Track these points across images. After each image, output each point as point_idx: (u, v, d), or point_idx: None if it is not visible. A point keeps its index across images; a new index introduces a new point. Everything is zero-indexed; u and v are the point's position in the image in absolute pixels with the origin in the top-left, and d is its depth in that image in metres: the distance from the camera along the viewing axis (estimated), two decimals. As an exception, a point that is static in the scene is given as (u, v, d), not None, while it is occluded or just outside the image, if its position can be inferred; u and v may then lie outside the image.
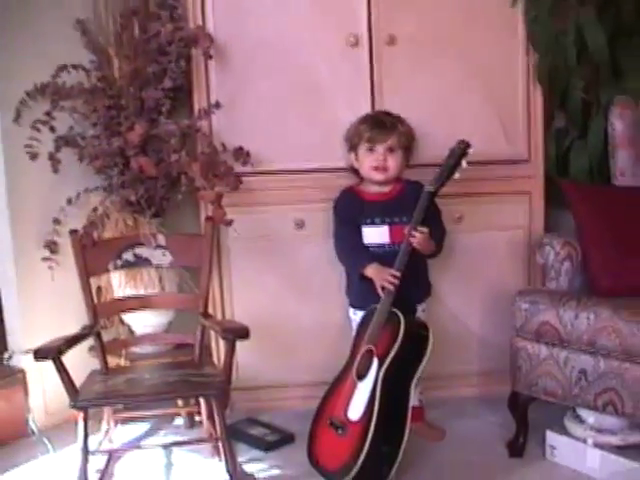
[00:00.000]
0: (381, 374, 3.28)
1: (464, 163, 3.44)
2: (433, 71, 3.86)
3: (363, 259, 3.56)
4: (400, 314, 3.34)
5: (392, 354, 3.28)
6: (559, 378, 3.33)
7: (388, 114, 3.67)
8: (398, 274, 3.39)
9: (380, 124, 3.61)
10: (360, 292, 3.59)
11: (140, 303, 3.65)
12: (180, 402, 3.86)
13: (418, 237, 3.40)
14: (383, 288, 3.41)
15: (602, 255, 3.41)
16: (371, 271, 3.51)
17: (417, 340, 3.36)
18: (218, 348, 3.91)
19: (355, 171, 3.73)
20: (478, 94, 3.89)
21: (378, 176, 3.61)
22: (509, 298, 3.51)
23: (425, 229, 3.41)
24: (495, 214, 3.97)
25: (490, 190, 3.93)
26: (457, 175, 3.45)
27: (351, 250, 3.64)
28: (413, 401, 3.65)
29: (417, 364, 3.34)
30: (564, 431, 3.49)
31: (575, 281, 3.53)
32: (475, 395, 4.07)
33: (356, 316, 3.62)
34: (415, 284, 3.56)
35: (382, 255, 3.53)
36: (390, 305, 3.37)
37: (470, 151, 3.45)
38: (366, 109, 3.80)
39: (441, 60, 3.85)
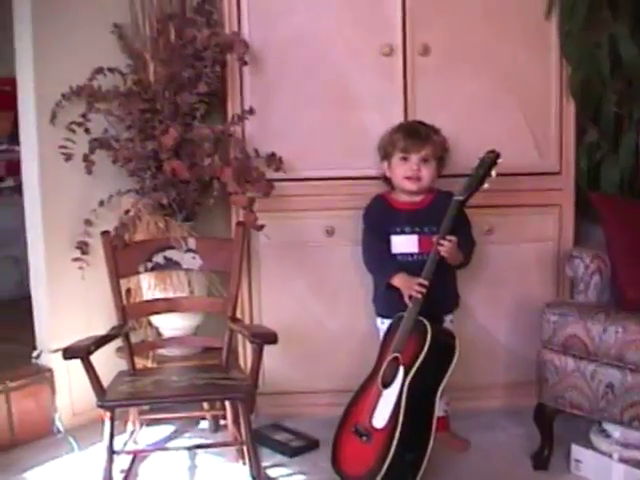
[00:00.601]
0: (407, 382, 3.28)
1: (493, 173, 3.45)
2: (465, 82, 3.86)
3: (390, 268, 3.56)
4: (427, 323, 3.34)
5: (418, 363, 3.29)
6: (586, 391, 3.31)
7: (423, 124, 3.67)
8: (426, 283, 3.39)
9: (415, 134, 3.61)
10: (387, 301, 3.59)
11: (169, 306, 3.66)
12: (206, 405, 3.87)
13: (446, 246, 3.40)
14: (410, 297, 3.41)
15: (631, 269, 3.40)
16: (398, 280, 3.52)
17: (444, 349, 3.36)
18: (245, 352, 3.92)
19: (387, 180, 3.73)
20: (510, 106, 3.89)
21: (411, 186, 3.61)
22: (537, 310, 3.50)
23: (454, 238, 3.41)
24: (525, 226, 3.96)
25: (520, 202, 3.93)
26: (486, 185, 3.45)
27: (379, 259, 3.65)
28: (438, 411, 3.67)
29: (443, 373, 3.33)
30: (589, 445, 3.46)
31: (604, 294, 3.52)
32: (501, 407, 4.05)
33: (383, 325, 3.61)
34: (443, 294, 3.56)
35: (410, 264, 3.53)
36: (417, 314, 3.37)
37: (500, 161, 3.45)
38: (398, 118, 3.80)
39: (474, 71, 3.86)
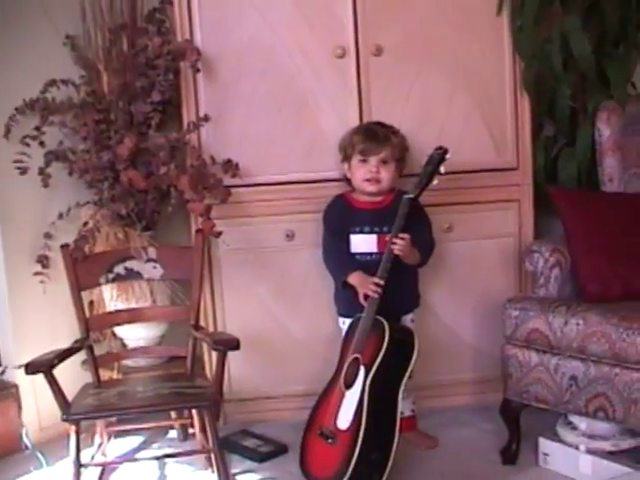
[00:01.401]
0: (368, 382, 3.30)
1: (442, 169, 3.48)
2: (420, 80, 3.86)
3: (347, 267, 3.57)
4: (384, 321, 3.35)
5: (378, 361, 3.30)
6: (550, 385, 3.33)
7: (382, 125, 3.67)
8: (381, 282, 3.40)
9: (373, 136, 3.61)
10: (347, 300, 3.59)
11: (132, 316, 3.64)
12: (173, 414, 3.84)
13: (399, 244, 3.41)
14: (366, 297, 3.42)
15: (591, 261, 3.42)
16: (354, 279, 3.53)
17: (403, 347, 3.37)
18: (210, 360, 3.89)
19: (349, 180, 3.72)
20: (466, 103, 3.90)
21: (370, 188, 3.61)
22: (500, 306, 3.50)
23: (407, 236, 3.42)
24: (485, 222, 3.97)
25: (479, 199, 3.94)
26: (436, 182, 3.49)
27: (336, 258, 3.65)
28: (406, 411, 3.70)
29: (404, 370, 3.35)
30: (556, 438, 3.48)
31: (565, 288, 3.53)
32: (468, 403, 4.06)
33: (345, 325, 3.61)
34: (401, 294, 3.56)
35: (369, 263, 3.53)
36: (374, 313, 3.38)
37: (448, 157, 3.49)
38: (354, 119, 3.81)
39: (427, 69, 3.86)
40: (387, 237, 3.45)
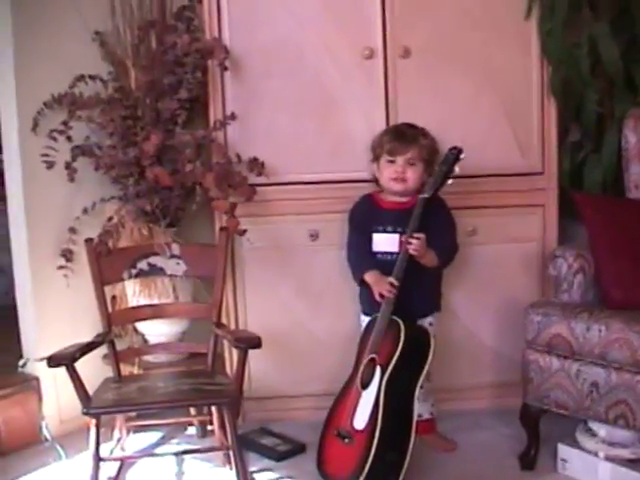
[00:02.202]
0: (384, 382, 3.31)
1: (457, 169, 3.49)
2: (447, 83, 3.87)
3: (365, 265, 3.58)
4: (400, 321, 3.36)
5: (394, 362, 3.31)
6: (570, 390, 3.32)
7: (412, 126, 3.67)
8: (396, 283, 3.41)
9: (401, 136, 3.61)
10: (369, 298, 3.58)
11: (154, 312, 3.66)
12: (193, 411, 3.87)
13: (414, 244, 3.41)
14: (382, 297, 3.43)
15: (614, 267, 3.40)
16: (370, 277, 3.54)
17: (418, 347, 3.38)
18: (231, 358, 3.91)
19: (377, 181, 3.72)
20: (492, 106, 3.90)
21: (397, 187, 3.61)
22: (522, 311, 3.50)
23: (422, 235, 3.42)
24: (509, 226, 3.97)
25: (504, 203, 3.94)
26: (450, 181, 3.50)
27: (356, 255, 3.66)
28: (425, 413, 3.70)
29: (420, 370, 3.36)
30: (576, 444, 3.47)
31: (588, 294, 3.52)
32: (488, 407, 4.06)
33: (364, 323, 3.63)
34: (419, 297, 3.55)
35: (390, 263, 3.51)
36: (390, 313, 3.39)
37: (462, 157, 3.49)
38: (380, 121, 3.82)
39: (455, 72, 3.87)
40: (402, 237, 3.46)
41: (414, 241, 3.41)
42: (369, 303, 3.59)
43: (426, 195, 3.47)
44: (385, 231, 3.61)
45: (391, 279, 3.41)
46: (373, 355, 3.38)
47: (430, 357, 3.37)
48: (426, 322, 3.63)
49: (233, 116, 3.79)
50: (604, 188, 3.96)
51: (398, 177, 3.60)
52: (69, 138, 3.74)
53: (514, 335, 3.75)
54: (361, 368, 3.42)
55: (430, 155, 3.64)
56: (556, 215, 4.00)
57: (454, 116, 3.88)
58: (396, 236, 3.56)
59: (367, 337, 3.46)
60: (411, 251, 3.42)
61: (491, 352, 4.04)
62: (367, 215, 3.68)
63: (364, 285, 3.58)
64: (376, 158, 3.68)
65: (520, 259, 4.00)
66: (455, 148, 3.52)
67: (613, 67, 3.79)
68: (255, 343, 3.25)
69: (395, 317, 3.39)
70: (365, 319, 3.62)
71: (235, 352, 3.66)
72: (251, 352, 3.28)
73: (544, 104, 3.92)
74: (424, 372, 3.36)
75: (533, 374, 3.43)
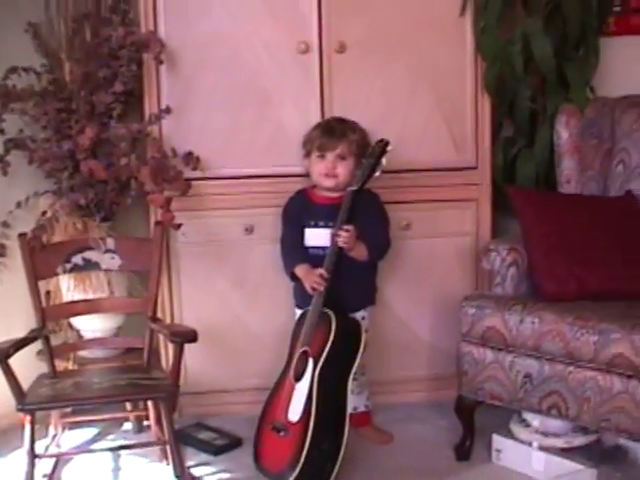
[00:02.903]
0: (316, 373, 3.34)
1: (384, 161, 3.51)
2: (382, 78, 3.89)
3: (296, 259, 3.62)
4: (331, 313, 3.39)
5: (325, 353, 3.35)
6: (504, 382, 3.37)
7: (341, 120, 3.69)
8: (326, 275, 3.43)
9: (330, 131, 3.63)
10: (302, 291, 3.60)
11: (89, 307, 3.63)
12: (128, 406, 3.84)
13: (343, 236, 3.44)
14: (314, 289, 3.46)
15: (547, 261, 3.45)
16: (300, 271, 3.58)
17: (350, 338, 3.42)
18: (167, 352, 3.90)
19: (310, 176, 3.75)
20: (427, 101, 3.93)
21: (328, 182, 3.63)
22: (456, 304, 3.54)
23: (350, 228, 3.45)
24: (443, 221, 4.01)
25: (438, 197, 3.97)
26: (378, 173, 3.52)
27: (288, 250, 3.69)
28: (360, 406, 3.74)
29: (352, 362, 3.39)
30: (510, 434, 3.53)
31: (521, 286, 3.58)
32: (424, 400, 4.09)
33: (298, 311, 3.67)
34: (351, 290, 3.57)
35: (321, 258, 3.52)
36: (321, 306, 3.42)
37: (389, 149, 3.52)
38: (316, 115, 3.83)
39: (390, 67, 3.89)
40: (332, 230, 3.48)
41: (343, 233, 3.43)
42: (302, 297, 3.61)
43: (354, 187, 3.49)
44: (317, 226, 3.64)
45: (321, 271, 3.44)
46: (305, 347, 3.41)
47: (361, 348, 3.41)
48: (358, 316, 3.63)
49: (168, 110, 3.77)
50: (536, 183, 4.02)
51: (329, 173, 3.62)
52: (2, 131, 3.68)
53: (449, 328, 3.80)
54: (294, 361, 3.44)
55: (361, 149, 3.65)
56: (489, 209, 4.04)
57: (390, 111, 3.91)
58: (328, 231, 3.56)
59: (299, 330, 3.49)
60: (340, 243, 3.44)
61: (426, 345, 4.08)
62: (300, 210, 3.70)
63: (296, 279, 3.61)
64: (307, 154, 3.70)
65: (454, 253, 4.04)
66: (382, 141, 3.54)
67: (545, 64, 3.84)
68: (191, 337, 3.25)
69: (326, 309, 3.41)
70: (299, 312, 3.64)
71: (171, 347, 3.66)
72: (187, 347, 3.28)
73: (478, 100, 3.96)
74: (356, 363, 3.39)
75: (467, 366, 3.47)
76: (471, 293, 3.75)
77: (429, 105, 3.94)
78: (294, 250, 3.66)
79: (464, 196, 4.01)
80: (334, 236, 3.45)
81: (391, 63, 3.89)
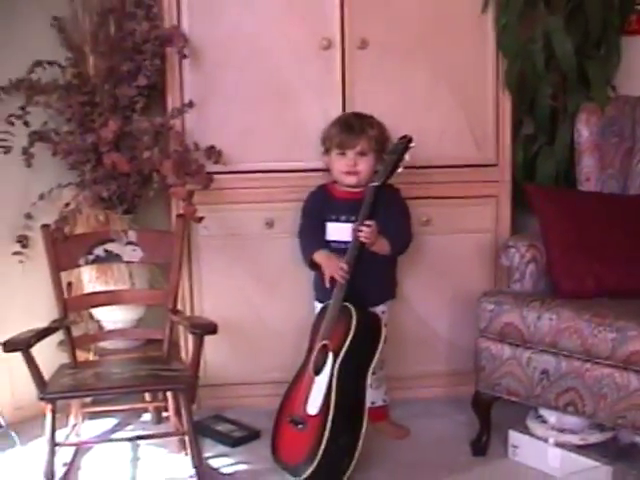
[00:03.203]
0: (336, 367, 3.35)
1: (407, 157, 3.51)
2: (404, 75, 3.91)
3: (315, 245, 3.63)
4: (352, 307, 3.39)
5: (345, 347, 3.35)
6: (522, 378, 3.38)
7: (359, 116, 3.70)
8: (346, 267, 3.43)
9: (349, 128, 3.64)
10: (324, 285, 3.59)
11: (110, 298, 3.67)
12: (148, 397, 3.88)
13: (365, 231, 3.44)
14: (332, 279, 3.48)
15: (565, 258, 3.47)
16: (320, 257, 3.59)
17: (370, 332, 3.42)
18: (187, 344, 3.92)
19: (330, 171, 3.76)
20: (448, 98, 3.95)
21: (349, 180, 3.65)
22: (475, 299, 3.55)
23: (372, 223, 3.45)
24: (463, 217, 4.02)
25: (458, 193, 3.99)
26: (401, 169, 3.51)
27: (307, 238, 3.71)
28: (378, 400, 3.75)
29: (371, 356, 3.40)
30: (526, 430, 3.53)
31: (539, 283, 3.58)
32: (441, 395, 4.11)
33: (317, 308, 3.67)
34: (371, 285, 3.58)
35: (343, 252, 3.52)
36: (342, 300, 3.43)
37: (412, 145, 3.51)
38: (337, 111, 3.85)
39: (411, 64, 3.91)
40: (353, 225, 3.49)
41: (364, 228, 3.44)
42: (322, 290, 3.61)
43: (376, 183, 3.49)
44: (338, 220, 3.65)
45: (342, 264, 3.45)
46: (325, 341, 3.42)
47: (381, 343, 3.41)
48: (378, 310, 3.64)
49: (191, 104, 3.80)
50: (556, 180, 4.02)
51: (350, 170, 3.63)
52: (26, 123, 3.72)
53: (467, 324, 3.81)
54: (314, 354, 3.46)
55: (380, 144, 3.66)
56: (509, 206, 4.06)
57: (410, 107, 3.92)
58: (349, 225, 3.58)
59: (319, 323, 3.50)
60: (362, 238, 3.45)
61: (444, 341, 4.10)
62: (321, 204, 3.72)
63: (315, 267, 3.62)
64: (327, 151, 3.71)
65: (474, 249, 4.06)
66: (405, 137, 3.54)
67: (567, 62, 3.85)
68: (211, 329, 3.27)
69: (347, 303, 3.42)
70: (319, 306, 3.65)
71: (191, 338, 3.67)
72: (207, 339, 3.30)
73: (499, 97, 3.97)
74: (376, 358, 3.40)
75: (485, 362, 3.48)
76: (490, 289, 3.78)
77: (450, 102, 3.95)
78: (314, 239, 3.67)
79: (484, 193, 4.02)
80: (356, 231, 3.46)
81: (412, 60, 3.91)
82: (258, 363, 4.02)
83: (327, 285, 3.51)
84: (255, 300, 3.99)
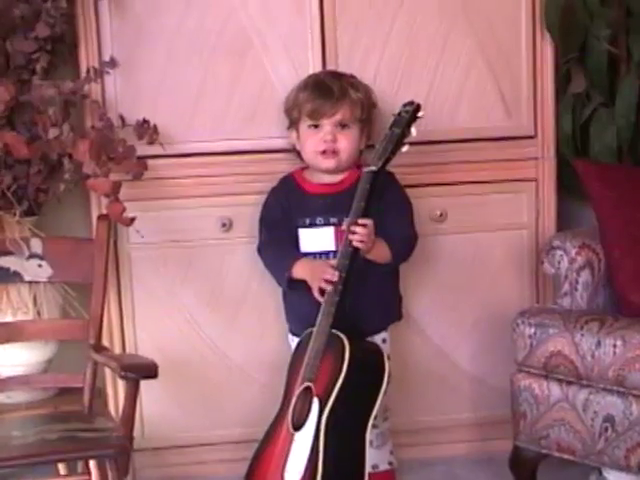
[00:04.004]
0: (323, 419, 3.32)
1: (413, 131, 3.49)
2: (404, 17, 3.88)
3: (289, 257, 3.59)
4: (343, 336, 3.35)
5: (336, 391, 3.32)
6: (578, 428, 3.37)
7: (336, 75, 3.70)
8: (336, 275, 3.39)
9: (325, 91, 3.62)
10: (298, 310, 3.60)
11: (7, 333, 3.61)
12: (63, 469, 3.79)
13: (359, 233, 3.40)
14: (322, 293, 3.44)
15: (633, 261, 3.47)
16: (301, 269, 3.56)
17: (369, 371, 3.40)
18: (116, 393, 3.91)
19: (299, 154, 3.74)
20: (466, 47, 3.93)
21: (326, 163, 3.62)
22: (509, 321, 3.55)
23: (368, 221, 3.42)
24: (489, 209, 4.02)
25: (482, 177, 3.98)
26: (405, 148, 3.50)
27: (275, 252, 3.67)
28: (381, 464, 3.74)
29: (371, 403, 3.37)
30: (586, 500, 3.55)
31: (597, 297, 3.59)
32: (468, 453, 4.11)
33: (294, 343, 3.65)
34: (370, 305, 3.56)
35: None
36: (330, 326, 3.38)
37: (420, 114, 3.50)
38: (315, 68, 3.83)
39: (416, 1, 3.87)
40: (343, 225, 3.45)
41: (359, 229, 3.40)
42: (299, 319, 3.61)
43: (374, 168, 3.46)
44: (314, 224, 3.64)
45: (329, 269, 3.40)
46: (308, 384, 3.38)
47: (385, 385, 3.38)
48: (378, 339, 3.64)
49: (113, 62, 3.77)
50: (619, 155, 4.02)
51: (327, 149, 3.60)
52: None
53: (499, 355, 3.84)
54: (293, 402, 3.42)
55: (366, 112, 3.67)
56: (554, 193, 4.05)
57: (416, 61, 3.91)
58: (329, 230, 3.60)
59: (299, 360, 3.46)
60: (355, 243, 3.41)
61: (469, 378, 4.09)
62: (288, 205, 3.70)
63: (295, 287, 3.58)
64: (293, 123, 3.71)
65: (505, 253, 4.05)
66: (411, 103, 3.52)
67: (630, -10, 3.86)
68: (149, 371, 3.22)
69: (336, 331, 3.38)
70: (295, 340, 3.63)
71: (122, 385, 3.66)
72: (144, 385, 3.26)
73: (536, 43, 3.97)
74: (377, 405, 3.36)
75: (526, 407, 3.48)
76: (529, 307, 3.76)
77: (469, 52, 3.94)
78: (284, 248, 3.65)
79: (518, 175, 4.02)
80: (347, 233, 3.42)
81: None
82: (215, 416, 3.99)
83: (318, 298, 3.45)
84: (208, 330, 3.96)
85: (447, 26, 3.90)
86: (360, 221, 3.40)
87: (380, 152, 3.46)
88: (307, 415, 3.34)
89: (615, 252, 3.50)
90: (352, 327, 3.42)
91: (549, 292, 3.91)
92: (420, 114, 3.49)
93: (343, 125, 3.59)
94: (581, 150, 4.07)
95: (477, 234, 4.00)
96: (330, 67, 3.83)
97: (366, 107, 3.65)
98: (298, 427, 3.36)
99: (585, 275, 3.55)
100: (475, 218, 4.00)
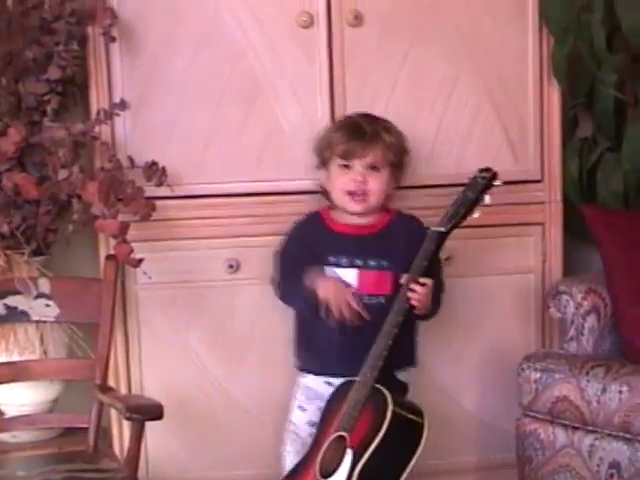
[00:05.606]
0: (356, 472, 3.26)
1: (487, 198, 3.50)
2: (412, 61, 3.91)
3: (313, 274, 3.52)
4: (387, 393, 3.32)
5: (373, 446, 3.27)
6: (583, 474, 3.37)
7: (372, 118, 3.68)
8: (363, 314, 3.43)
9: (359, 132, 3.60)
10: (316, 346, 3.57)
11: (13, 372, 3.61)
12: (68, 510, 3.82)
13: (419, 293, 3.39)
14: (342, 316, 3.42)
15: (639, 307, 3.45)
16: (324, 286, 3.50)
17: (408, 430, 3.36)
18: (121, 433, 3.90)
19: (327, 194, 3.73)
20: (473, 92, 3.95)
21: (355, 206, 3.60)
22: (515, 365, 3.56)
23: (429, 281, 3.41)
24: (496, 253, 4.02)
25: (489, 221, 3.89)
26: (477, 214, 3.50)
27: (298, 275, 3.56)
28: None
29: (406, 462, 3.32)
30: None
31: (603, 342, 3.60)
32: (471, 499, 4.11)
33: (307, 379, 3.62)
34: (400, 345, 3.48)
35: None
36: (375, 379, 3.34)
37: (497, 183, 3.51)
38: (323, 111, 3.86)
39: (423, 46, 3.91)
40: (402, 279, 3.44)
41: (419, 289, 3.39)
42: (315, 353, 3.61)
43: (442, 229, 3.46)
44: (337, 264, 3.61)
45: (351, 299, 3.42)
46: (343, 433, 3.34)
47: (422, 445, 3.34)
48: (401, 378, 3.60)
49: (124, 104, 3.78)
50: (625, 200, 4.02)
51: (357, 190, 3.58)
52: None
53: (504, 399, 3.83)
54: (323, 449, 3.38)
55: (398, 156, 3.66)
56: (560, 237, 4.05)
57: (423, 105, 3.94)
58: (353, 271, 3.56)
59: (336, 408, 3.43)
60: (413, 302, 3.40)
61: (474, 422, 4.08)
62: (311, 241, 3.68)
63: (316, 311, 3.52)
64: (324, 163, 3.69)
65: (511, 296, 4.06)
66: (488, 170, 3.54)
67: (637, 37, 3.83)
68: (154, 413, 3.22)
69: (379, 386, 3.33)
70: (308, 380, 3.62)
71: (127, 426, 3.65)
72: (149, 426, 3.26)
73: (544, 89, 3.99)
74: (411, 465, 3.32)
75: (531, 451, 3.49)
76: (535, 351, 3.78)
77: (476, 96, 3.96)
78: (302, 277, 3.56)
79: (525, 219, 4.03)
80: (406, 289, 3.41)
81: (424, 41, 3.91)
82: (219, 457, 3.96)
83: (336, 319, 3.45)
84: (214, 371, 3.95)
85: (455, 71, 3.92)
86: (421, 280, 3.39)
87: (450, 214, 3.47)
88: (338, 465, 3.29)
89: (621, 298, 3.50)
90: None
91: (555, 336, 3.91)
92: (497, 182, 3.50)
93: (374, 167, 3.58)
94: (588, 194, 4.06)
95: (484, 277, 4.01)
96: (338, 112, 3.84)
97: (398, 152, 3.64)
98: (327, 475, 3.32)
99: (591, 320, 3.56)
100: (482, 261, 4.00)
